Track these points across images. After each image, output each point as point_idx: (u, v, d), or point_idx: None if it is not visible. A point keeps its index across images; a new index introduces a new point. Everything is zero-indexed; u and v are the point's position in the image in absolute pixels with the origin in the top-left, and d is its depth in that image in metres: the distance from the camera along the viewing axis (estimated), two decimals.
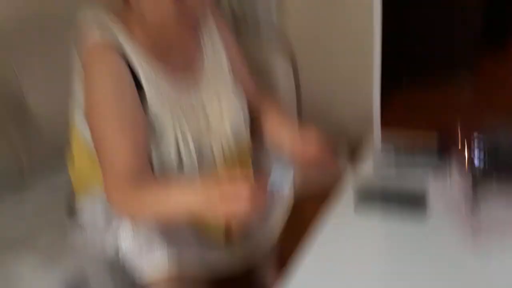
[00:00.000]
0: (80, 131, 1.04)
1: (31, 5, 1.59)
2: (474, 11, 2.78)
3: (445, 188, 1.01)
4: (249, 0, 1.98)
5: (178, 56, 1.03)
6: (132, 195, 0.91)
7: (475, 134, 0.97)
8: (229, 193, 0.81)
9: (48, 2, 1.62)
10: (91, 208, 1.06)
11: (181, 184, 0.91)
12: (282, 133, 1.10)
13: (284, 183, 0.87)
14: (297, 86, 1.91)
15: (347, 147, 0.91)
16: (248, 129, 1.12)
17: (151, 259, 0.90)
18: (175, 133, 0.97)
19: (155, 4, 0.91)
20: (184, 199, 0.87)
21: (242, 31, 2.03)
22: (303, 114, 2.03)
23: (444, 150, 1.02)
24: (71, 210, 1.16)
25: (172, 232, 0.94)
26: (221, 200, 0.81)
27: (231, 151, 1.06)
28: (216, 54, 1.09)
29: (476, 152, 0.95)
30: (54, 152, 1.41)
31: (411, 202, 0.98)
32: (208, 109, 1.04)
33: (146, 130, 0.95)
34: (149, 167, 0.96)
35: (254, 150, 1.17)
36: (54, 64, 1.39)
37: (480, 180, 0.91)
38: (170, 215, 0.93)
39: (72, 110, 1.05)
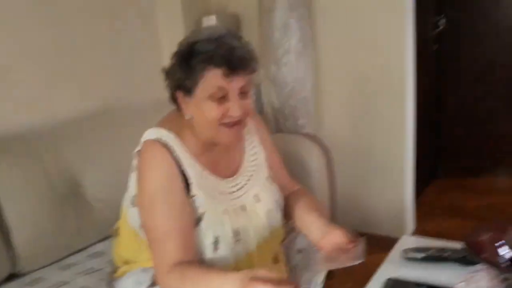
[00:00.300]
0: (128, 218, 1.14)
1: (104, 101, 1.87)
2: None
3: (472, 280, 1.02)
4: (288, 97, 2.17)
5: (224, 166, 1.12)
6: (176, 280, 0.97)
7: (504, 236, 1.01)
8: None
9: (118, 101, 1.90)
10: (131, 278, 1.14)
11: (222, 273, 0.95)
12: (309, 219, 1.14)
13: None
14: (331, 181, 1.99)
15: (366, 243, 0.95)
16: (281, 215, 1.19)
17: None
18: (214, 218, 1.04)
19: (215, 133, 1.02)
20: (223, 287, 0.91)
21: (281, 125, 2.19)
22: (337, 210, 2.07)
23: (474, 250, 1.04)
24: (110, 278, 1.24)
25: None
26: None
27: (264, 236, 1.12)
28: (255, 153, 1.19)
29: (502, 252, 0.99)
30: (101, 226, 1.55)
31: None
32: (248, 207, 1.11)
33: (193, 221, 1.03)
34: (196, 251, 1.03)
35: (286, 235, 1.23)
36: (113, 157, 1.59)
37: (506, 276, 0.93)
38: None
39: (125, 200, 1.16)
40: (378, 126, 2.21)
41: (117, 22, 1.97)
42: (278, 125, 2.21)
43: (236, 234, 1.06)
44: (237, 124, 1.02)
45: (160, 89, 1.11)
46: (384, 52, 2.11)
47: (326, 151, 1.97)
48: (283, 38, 2.12)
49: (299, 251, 1.27)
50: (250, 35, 2.31)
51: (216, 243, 1.04)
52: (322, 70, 2.26)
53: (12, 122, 1.59)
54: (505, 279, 0.95)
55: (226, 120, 1.01)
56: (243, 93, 1.01)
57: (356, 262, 0.87)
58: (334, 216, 2.02)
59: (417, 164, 2.25)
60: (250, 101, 1.02)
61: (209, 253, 1.04)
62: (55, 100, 1.74)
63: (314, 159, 1.83)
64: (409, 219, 2.25)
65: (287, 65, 2.15)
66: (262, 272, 0.88)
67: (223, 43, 0.98)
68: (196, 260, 1.03)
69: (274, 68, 2.18)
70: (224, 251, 1.05)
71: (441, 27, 2.87)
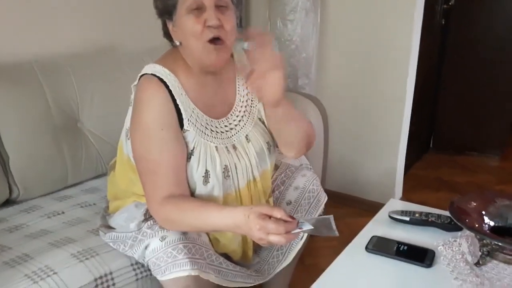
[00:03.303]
0: (123, 149, 1.18)
1: (105, 41, 1.85)
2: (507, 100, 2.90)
3: (454, 244, 1.08)
4: (290, 55, 2.16)
5: (217, 107, 1.15)
6: (173, 211, 1.01)
7: (488, 207, 1.05)
8: (268, 227, 0.89)
9: (120, 41, 1.89)
10: (123, 213, 1.17)
11: (221, 207, 1.00)
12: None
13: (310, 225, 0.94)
14: (326, 143, 2.02)
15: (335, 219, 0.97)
16: (273, 156, 1.22)
17: (174, 269, 0.98)
18: (205, 152, 1.08)
19: (200, 53, 1.04)
20: (223, 222, 0.96)
21: None
22: (328, 171, 2.12)
23: (457, 216, 1.08)
24: (105, 213, 1.27)
25: (195, 245, 1.03)
26: (260, 232, 0.90)
27: (254, 176, 1.16)
28: (248, 93, 1.20)
29: (486, 220, 1.03)
30: (97, 162, 1.57)
31: (421, 252, 1.06)
32: (238, 147, 1.15)
33: (185, 153, 1.07)
34: (187, 185, 1.07)
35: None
36: (112, 91, 1.59)
37: (487, 243, 0.98)
38: (206, 231, 1.04)
39: (122, 133, 1.19)
40: (377, 95, 2.21)
41: None
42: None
43: (226, 170, 1.10)
44: (220, 41, 1.04)
45: (161, 34, 1.14)
46: (392, 21, 2.08)
47: (323, 113, 1.99)
48: None
49: (296, 188, 1.31)
50: None
51: (206, 177, 1.07)
52: (328, 32, 2.24)
53: (15, 51, 1.57)
54: (485, 245, 0.99)
55: (207, 33, 1.02)
56: (220, 7, 1.04)
57: (330, 235, 0.91)
58: (325, 177, 2.06)
59: (410, 137, 2.29)
60: (230, 19, 1.05)
61: (199, 186, 1.08)
62: (60, 32, 1.72)
63: (311, 119, 1.85)
64: (398, 188, 2.30)
65: (293, 22, 2.12)
66: (264, 208, 0.92)
67: None
68: (188, 194, 1.07)
69: (280, 24, 2.15)
70: (214, 185, 1.08)
71: (451, 3, 2.83)
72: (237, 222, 0.94)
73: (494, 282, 0.95)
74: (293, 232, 0.91)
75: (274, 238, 0.90)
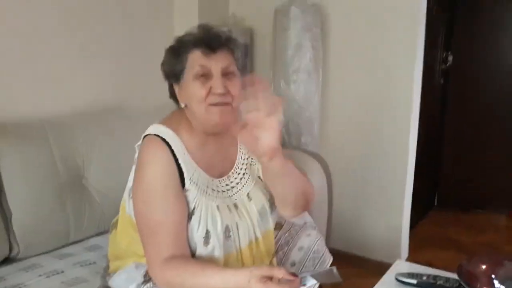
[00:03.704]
0: (126, 208, 1.18)
1: (112, 100, 1.91)
2: None
3: None
4: (294, 114, 2.21)
5: (218, 166, 1.16)
6: (173, 276, 0.99)
7: (498, 270, 1.03)
8: None
9: (126, 100, 1.95)
10: (123, 274, 1.15)
11: (222, 269, 0.98)
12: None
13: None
14: (330, 201, 2.01)
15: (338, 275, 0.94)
16: (274, 216, 1.21)
17: None
18: (206, 212, 1.07)
19: (203, 115, 1.07)
20: (225, 286, 0.94)
21: (285, 141, 2.23)
22: (332, 229, 2.09)
23: (466, 280, 1.06)
24: (105, 273, 1.25)
25: None
26: None
27: (256, 236, 1.15)
28: (250, 152, 1.20)
29: (496, 284, 1.00)
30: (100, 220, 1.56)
31: None
32: (240, 206, 1.14)
33: (186, 213, 1.06)
34: (187, 246, 1.06)
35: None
36: (117, 150, 1.61)
37: None
38: None
39: (125, 192, 1.19)
40: (380, 152, 2.23)
41: (135, 27, 2.03)
42: (282, 140, 2.22)
43: (227, 230, 1.09)
44: (225, 104, 1.06)
45: (167, 95, 1.18)
46: (392, 81, 2.15)
47: (326, 170, 1.99)
48: (295, 57, 2.17)
49: (300, 248, 1.28)
50: (263, 51, 2.38)
51: (207, 237, 1.06)
52: (330, 92, 2.30)
53: (22, 108, 1.62)
54: None
55: (212, 99, 1.05)
56: (227, 74, 1.07)
57: (335, 281, 0.89)
58: (329, 235, 2.03)
59: (414, 194, 2.28)
60: (236, 85, 1.07)
61: (199, 247, 1.06)
62: (67, 92, 1.78)
63: (314, 177, 1.85)
64: (404, 247, 2.26)
65: (296, 83, 2.19)
66: (264, 270, 0.90)
67: (202, 29, 1.10)
68: (189, 255, 1.05)
69: (283, 84, 2.22)
70: (214, 246, 1.07)
71: (449, 63, 2.93)
72: (239, 286, 0.92)
73: None
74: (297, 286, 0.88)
75: None
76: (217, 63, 1.06)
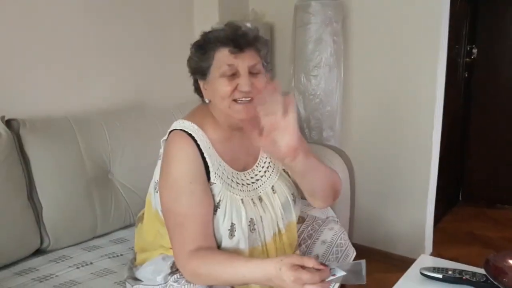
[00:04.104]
0: (152, 202, 1.20)
1: (137, 97, 1.96)
2: None
3: None
4: (315, 109, 2.20)
5: (242, 159, 1.17)
6: (200, 266, 1.01)
7: None
8: (303, 277, 0.88)
9: (151, 97, 1.98)
10: (150, 266, 1.17)
11: (249, 259, 1.00)
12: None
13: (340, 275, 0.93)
14: (352, 195, 2.00)
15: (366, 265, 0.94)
16: (298, 208, 1.21)
17: None
18: (231, 205, 1.09)
19: (228, 111, 1.07)
20: (252, 275, 0.95)
21: (306, 135, 2.23)
22: (355, 224, 2.08)
23: (493, 274, 1.04)
24: (132, 264, 1.28)
25: None
26: (295, 284, 0.88)
27: (280, 228, 1.16)
28: (273, 159, 1.21)
29: None
30: (125, 214, 1.60)
31: None
32: (264, 199, 1.15)
33: (212, 207, 1.08)
34: (214, 238, 1.07)
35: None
36: (142, 145, 1.66)
37: None
38: (234, 284, 1.02)
39: (151, 186, 1.21)
40: (403, 147, 2.20)
41: (156, 26, 2.07)
42: (303, 135, 2.23)
43: (252, 223, 1.10)
44: (250, 101, 1.07)
45: (190, 91, 1.19)
46: (415, 76, 2.12)
47: (349, 165, 1.99)
48: (315, 52, 2.16)
49: (323, 242, 1.29)
50: (283, 46, 2.38)
51: (232, 230, 1.07)
52: (351, 86, 2.28)
53: (52, 107, 1.67)
54: None
55: (237, 96, 1.06)
56: (254, 73, 1.07)
57: (358, 283, 0.89)
58: (352, 230, 2.02)
59: (438, 189, 2.24)
60: (262, 81, 1.08)
61: (225, 239, 1.08)
62: (94, 90, 1.83)
63: (337, 171, 1.84)
64: (428, 242, 2.23)
65: (317, 77, 2.18)
66: (295, 258, 0.91)
67: (230, 27, 1.10)
68: (215, 247, 1.07)
69: (304, 79, 2.21)
70: (239, 238, 1.08)
71: (473, 56, 2.87)
72: (268, 274, 0.93)
73: None
74: (327, 280, 0.89)
75: None
76: (244, 62, 1.06)
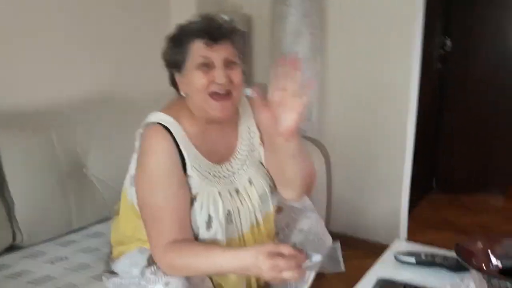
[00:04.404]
0: (128, 196, 1.19)
1: (111, 89, 1.91)
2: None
3: (461, 286, 1.06)
4: None
5: (219, 152, 1.17)
6: (176, 258, 1.01)
7: (495, 247, 1.05)
8: (279, 264, 0.90)
9: (125, 89, 1.95)
10: (127, 259, 1.17)
11: (226, 249, 1.01)
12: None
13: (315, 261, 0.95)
14: (329, 185, 2.03)
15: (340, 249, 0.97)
16: (274, 198, 1.22)
17: None
18: (208, 198, 1.09)
19: (204, 105, 1.08)
20: (229, 265, 0.97)
21: None
22: (332, 213, 2.11)
23: (464, 257, 1.07)
24: (108, 258, 1.27)
25: None
26: (272, 271, 0.90)
27: (257, 220, 1.16)
28: (250, 137, 1.22)
29: (493, 260, 1.02)
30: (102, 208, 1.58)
31: None
32: (241, 191, 1.16)
33: (189, 199, 1.08)
34: (191, 231, 1.07)
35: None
36: (117, 138, 1.62)
37: (495, 284, 0.96)
38: (212, 274, 1.03)
39: (126, 179, 1.20)
40: (379, 137, 2.24)
41: (132, 17, 2.03)
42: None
43: (229, 215, 1.10)
44: (226, 97, 1.07)
45: (166, 84, 1.18)
46: (390, 67, 2.15)
47: (325, 155, 2.01)
48: (293, 44, 2.16)
49: (301, 231, 1.30)
50: (261, 38, 2.37)
51: (209, 222, 1.08)
52: (329, 78, 2.30)
53: (21, 100, 1.62)
54: (493, 286, 0.98)
55: (213, 89, 1.06)
56: (229, 64, 1.07)
57: (336, 270, 0.91)
58: (329, 218, 2.05)
59: (413, 177, 2.29)
60: (238, 74, 1.08)
61: (202, 231, 1.08)
62: (67, 82, 1.78)
63: (313, 162, 1.86)
64: (403, 228, 2.28)
65: None
66: (271, 247, 0.93)
67: (205, 19, 1.09)
68: (192, 239, 1.07)
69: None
70: (216, 230, 1.08)
71: (447, 48, 2.92)
72: (245, 264, 0.93)
73: None
74: (304, 266, 0.90)
75: (287, 275, 0.89)
76: (220, 54, 1.06)
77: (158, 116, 1.11)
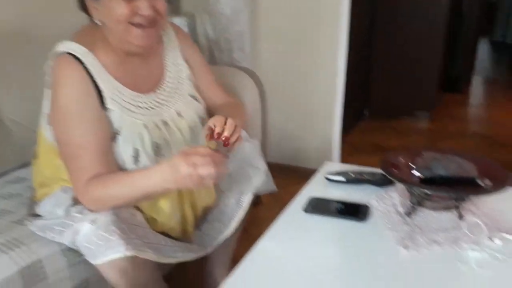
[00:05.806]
0: (45, 135, 1.11)
1: (18, 23, 1.69)
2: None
3: (386, 198, 1.12)
4: (224, 30, 2.13)
5: (144, 80, 1.10)
6: (97, 189, 0.97)
7: (416, 160, 1.10)
8: (194, 160, 0.88)
9: (35, 21, 1.74)
10: (51, 200, 1.11)
11: (145, 170, 0.99)
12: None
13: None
14: (264, 115, 2.02)
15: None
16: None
17: (107, 252, 0.94)
18: (132, 131, 1.04)
19: (126, 36, 0.99)
20: (151, 181, 0.94)
21: (216, 57, 2.16)
22: (267, 143, 2.13)
23: (388, 170, 1.12)
24: (31, 201, 1.19)
25: (129, 225, 0.99)
26: (188, 168, 0.88)
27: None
28: (178, 70, 1.18)
29: (415, 172, 1.08)
30: (21, 151, 1.46)
31: (355, 208, 1.09)
32: (169, 123, 1.11)
33: (109, 134, 1.02)
34: (113, 166, 1.02)
35: None
36: (30, 75, 1.44)
37: (416, 193, 1.03)
38: (138, 199, 1.00)
39: (40, 116, 1.12)
40: (312, 66, 2.25)
41: None
42: (213, 57, 2.17)
43: (157, 147, 1.07)
44: (150, 25, 1.00)
45: (83, 18, 1.06)
46: None
47: (259, 85, 1.98)
48: None
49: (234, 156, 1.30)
50: None
51: (136, 156, 1.04)
52: (259, 5, 2.22)
53: None
54: (415, 195, 1.04)
55: (137, 19, 0.98)
56: None
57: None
58: (265, 149, 2.07)
59: (345, 105, 2.35)
60: (163, 4, 1.02)
61: (129, 166, 1.04)
62: None
63: (247, 92, 1.83)
64: (335, 154, 2.37)
65: None
66: (186, 148, 0.92)
67: None
68: (116, 171, 1.02)
69: None
70: (145, 164, 1.05)
71: None
72: (164, 174, 0.92)
73: (423, 229, 1.00)
74: (220, 160, 0.91)
75: (203, 171, 0.89)
76: None
77: (68, 46, 1.01)
